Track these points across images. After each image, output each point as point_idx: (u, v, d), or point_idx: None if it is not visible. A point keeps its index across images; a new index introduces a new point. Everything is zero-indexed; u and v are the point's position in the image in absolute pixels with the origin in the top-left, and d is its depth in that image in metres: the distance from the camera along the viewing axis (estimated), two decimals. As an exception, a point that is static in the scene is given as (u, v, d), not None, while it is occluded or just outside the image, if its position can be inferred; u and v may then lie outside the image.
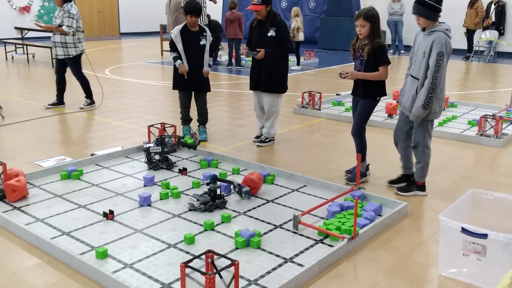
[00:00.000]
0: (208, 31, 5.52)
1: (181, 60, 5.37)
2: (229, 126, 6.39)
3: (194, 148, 4.89)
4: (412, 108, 3.93)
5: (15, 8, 17.38)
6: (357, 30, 4.16)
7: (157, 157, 4.64)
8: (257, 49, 5.23)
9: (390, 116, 6.68)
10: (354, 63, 4.33)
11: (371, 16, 4.07)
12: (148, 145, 4.59)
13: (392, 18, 14.76)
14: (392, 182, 4.32)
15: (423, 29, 3.93)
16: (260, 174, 4.12)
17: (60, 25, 6.86)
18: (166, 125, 5.03)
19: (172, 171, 4.54)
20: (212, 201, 3.70)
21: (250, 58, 5.62)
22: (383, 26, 15.57)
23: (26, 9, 17.75)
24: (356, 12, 4.18)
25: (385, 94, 4.32)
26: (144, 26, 21.05)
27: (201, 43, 5.43)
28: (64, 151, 5.15)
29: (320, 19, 16.52)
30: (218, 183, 3.90)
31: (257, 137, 5.71)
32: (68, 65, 7.18)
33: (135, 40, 18.82)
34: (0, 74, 10.51)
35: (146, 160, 4.62)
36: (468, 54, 13.67)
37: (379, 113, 6.84)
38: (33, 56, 12.69)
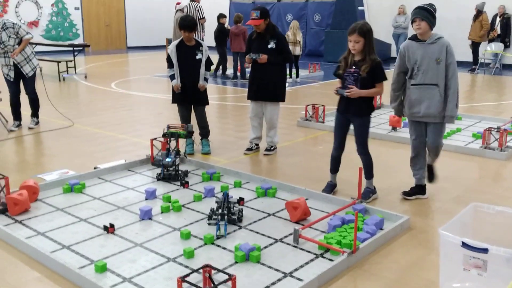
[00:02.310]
0: (204, 45, 5.58)
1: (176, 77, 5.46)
2: (233, 139, 6.40)
3: (190, 136, 5.08)
4: (439, 113, 4.05)
5: (24, 23, 17.59)
6: (350, 46, 4.03)
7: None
8: (260, 54, 5.33)
9: (394, 129, 6.65)
10: (345, 78, 4.11)
11: (366, 32, 3.97)
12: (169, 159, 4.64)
13: (396, 31, 14.90)
14: (406, 193, 4.34)
15: (417, 40, 4.04)
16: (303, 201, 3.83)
17: (19, 43, 6.42)
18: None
19: (174, 184, 4.55)
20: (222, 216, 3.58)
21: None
22: (389, 39, 15.62)
23: (34, 23, 18.00)
24: (350, 27, 4.04)
25: (374, 109, 4.37)
26: (150, 40, 21.25)
27: (197, 57, 5.49)
28: (68, 165, 5.17)
29: (325, 32, 16.59)
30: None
31: (249, 149, 5.73)
32: (27, 82, 6.65)
33: (142, 54, 18.98)
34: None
35: (162, 176, 4.62)
36: (473, 67, 13.66)
37: (382, 126, 6.83)
38: (41, 70, 12.73)
